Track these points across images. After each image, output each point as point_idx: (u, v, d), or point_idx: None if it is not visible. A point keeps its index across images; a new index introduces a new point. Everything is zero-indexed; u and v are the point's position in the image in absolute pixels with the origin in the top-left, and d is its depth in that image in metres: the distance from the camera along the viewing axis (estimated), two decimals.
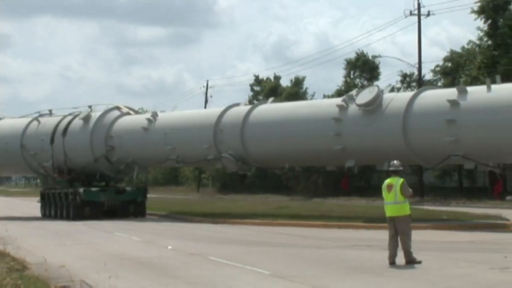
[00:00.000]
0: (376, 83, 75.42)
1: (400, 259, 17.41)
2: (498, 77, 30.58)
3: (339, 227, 29.82)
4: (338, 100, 33.73)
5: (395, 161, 18.53)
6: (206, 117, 38.68)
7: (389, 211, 17.84)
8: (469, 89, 30.00)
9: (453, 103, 28.78)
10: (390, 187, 17.81)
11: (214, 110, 42.28)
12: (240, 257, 19.78)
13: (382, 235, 25.77)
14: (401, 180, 17.85)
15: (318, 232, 28.30)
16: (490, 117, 27.76)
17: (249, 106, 37.72)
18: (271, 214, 36.66)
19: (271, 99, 41.51)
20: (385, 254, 17.92)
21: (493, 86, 28.92)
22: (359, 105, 31.54)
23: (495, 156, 28.54)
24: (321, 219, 32.58)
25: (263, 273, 16.54)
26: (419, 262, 17.27)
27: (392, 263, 17.45)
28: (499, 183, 31.74)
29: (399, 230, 17.67)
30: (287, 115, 35.20)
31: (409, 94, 31.86)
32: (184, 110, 46.61)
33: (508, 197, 49.62)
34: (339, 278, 15.68)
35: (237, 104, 38.82)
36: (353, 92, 33.81)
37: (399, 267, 17.10)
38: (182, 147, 38.99)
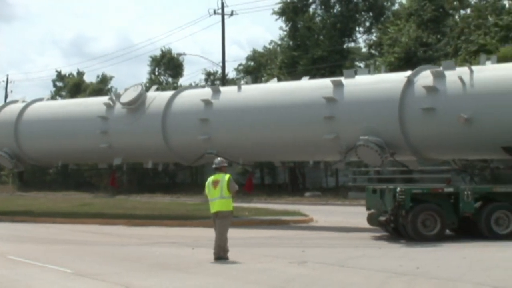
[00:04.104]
0: (180, 80, 76.20)
1: (206, 255, 17.64)
2: (249, 78, 31.96)
3: (143, 224, 29.77)
4: (105, 99, 33.88)
5: (218, 158, 18.81)
6: None
7: (215, 207, 18.00)
8: (222, 89, 31.27)
9: (207, 102, 29.72)
10: (216, 183, 18.05)
11: None
12: (41, 256, 19.31)
13: (186, 232, 26.07)
14: (228, 175, 18.17)
15: (122, 229, 28.12)
16: (238, 116, 28.84)
17: (24, 103, 36.94)
18: (73, 211, 36.02)
19: (47, 96, 40.95)
20: (189, 250, 18.10)
21: (243, 87, 30.36)
22: (122, 104, 31.85)
23: (243, 154, 29.52)
24: (124, 216, 32.42)
25: (65, 272, 16.24)
26: (227, 259, 17.59)
27: (225, 258, 17.73)
28: (249, 180, 32.95)
29: (219, 224, 17.87)
30: (58, 113, 35.04)
31: (169, 93, 32.49)
32: None
33: (306, 193, 51.46)
34: (143, 275, 15.67)
35: (15, 101, 38.09)
36: (122, 90, 34.14)
37: (202, 263, 17.32)
38: None
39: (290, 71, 55.77)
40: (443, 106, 24.14)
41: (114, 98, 32.82)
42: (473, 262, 16.56)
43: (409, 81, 25.17)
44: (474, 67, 24.67)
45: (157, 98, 31.77)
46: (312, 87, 28.00)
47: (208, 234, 24.29)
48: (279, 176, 63.08)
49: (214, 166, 18.60)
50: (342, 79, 27.01)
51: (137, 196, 55.73)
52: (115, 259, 18.81)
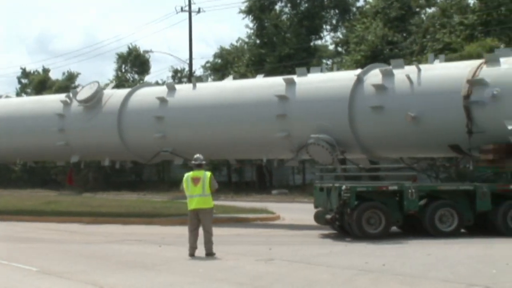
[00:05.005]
0: (147, 77, 75.92)
1: (173, 253, 17.60)
2: (204, 76, 32.05)
3: (109, 222, 29.64)
4: (63, 96, 33.81)
5: (198, 155, 18.83)
6: None
7: (196, 204, 18.10)
8: (178, 87, 31.39)
9: (162, 100, 29.79)
10: (197, 180, 18.13)
11: None
12: (5, 254, 19.17)
13: (153, 230, 26.04)
14: (209, 173, 18.38)
15: (88, 227, 28.00)
16: (193, 114, 28.96)
17: None
18: (39, 209, 35.75)
19: (5, 93, 40.68)
20: (156, 248, 18.04)
21: (198, 85, 30.67)
22: (79, 101, 31.87)
23: (198, 152, 29.48)
24: (91, 214, 32.28)
25: (31, 270, 16.15)
26: (214, 254, 17.79)
27: (192, 255, 17.85)
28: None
29: (204, 223, 18.07)
30: (16, 111, 34.90)
31: (125, 91, 32.59)
32: None
33: (273, 191, 51.57)
34: (109, 273, 15.63)
35: None
36: (79, 88, 34.18)
37: (169, 260, 17.34)
38: None
39: (257, 68, 55.81)
40: (391, 105, 24.37)
41: (71, 95, 32.72)
42: (438, 259, 16.72)
43: (359, 80, 25.42)
44: (422, 66, 24.93)
45: (113, 96, 31.80)
46: (265, 85, 28.23)
47: (175, 231, 24.38)
48: (246, 174, 63.12)
49: (194, 162, 18.69)
50: (295, 77, 27.20)
51: (103, 194, 55.54)
52: (81, 257, 18.74)
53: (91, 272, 15.83)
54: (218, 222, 28.64)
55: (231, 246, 20.43)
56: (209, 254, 17.83)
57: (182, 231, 20.62)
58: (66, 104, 32.51)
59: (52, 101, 34.27)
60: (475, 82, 22.74)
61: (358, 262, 16.27)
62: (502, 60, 23.06)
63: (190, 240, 18.11)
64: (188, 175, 18.42)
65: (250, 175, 62.39)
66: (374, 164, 28.66)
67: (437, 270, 14.88)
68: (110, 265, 16.88)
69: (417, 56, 44.16)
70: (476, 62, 23.97)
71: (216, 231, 23.54)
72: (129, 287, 14.00)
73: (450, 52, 41.88)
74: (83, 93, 31.90)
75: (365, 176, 32.99)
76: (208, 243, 17.94)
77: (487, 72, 22.85)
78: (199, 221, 18.15)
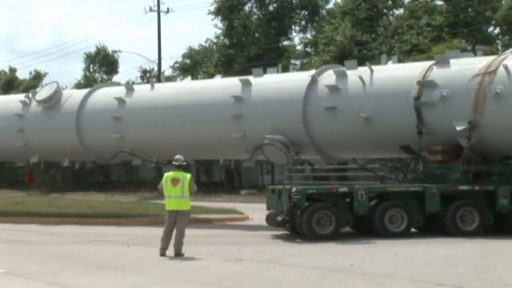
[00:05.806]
0: (115, 77, 75.62)
1: (141, 253, 17.54)
2: (163, 76, 32.13)
3: (77, 222, 29.45)
4: (22, 96, 33.63)
5: (179, 156, 18.79)
6: None
7: (174, 205, 18.14)
8: (136, 87, 31.39)
9: (120, 100, 29.76)
10: (176, 181, 18.13)
11: None
12: None
13: (121, 230, 25.92)
14: (189, 175, 18.34)
15: (56, 228, 27.79)
16: (150, 114, 28.93)
17: None
18: (6, 210, 35.43)
19: None
20: (124, 248, 17.91)
21: (156, 85, 30.67)
22: (38, 101, 31.70)
23: (156, 152, 29.55)
24: (58, 215, 32.06)
25: None
26: (183, 255, 17.84)
27: (163, 254, 17.91)
28: None
29: (180, 223, 18.14)
30: None
31: (84, 91, 32.47)
32: None
33: (242, 191, 51.57)
34: (77, 273, 15.53)
35: None
36: (39, 88, 34.09)
37: (138, 261, 17.28)
38: None
39: (227, 69, 55.81)
40: (344, 105, 24.44)
41: (30, 95, 32.53)
42: (406, 258, 16.85)
43: (313, 80, 25.48)
44: (374, 67, 25.09)
45: (72, 96, 31.64)
46: (221, 86, 28.29)
47: (144, 232, 24.31)
48: (215, 174, 63.05)
49: (175, 163, 18.72)
50: (251, 78, 27.23)
51: (71, 194, 55.18)
52: (48, 258, 18.61)
53: (59, 273, 15.72)
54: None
55: (200, 246, 20.39)
56: (178, 254, 17.86)
57: (150, 232, 20.59)
58: (25, 104, 32.34)
59: (11, 101, 34.04)
60: (425, 83, 22.88)
61: (326, 262, 16.34)
62: (452, 61, 23.22)
63: (162, 240, 18.16)
64: (168, 175, 18.42)
65: (218, 175, 62.33)
66: (343, 165, 28.79)
67: (405, 270, 14.98)
68: (78, 265, 16.78)
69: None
70: (426, 64, 24.15)
71: (185, 231, 23.48)
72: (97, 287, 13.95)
73: (418, 53, 42.20)
74: (42, 93, 31.72)
75: (334, 176, 33.15)
76: (179, 244, 17.98)
77: (437, 74, 23.00)
78: (175, 223, 18.16)
